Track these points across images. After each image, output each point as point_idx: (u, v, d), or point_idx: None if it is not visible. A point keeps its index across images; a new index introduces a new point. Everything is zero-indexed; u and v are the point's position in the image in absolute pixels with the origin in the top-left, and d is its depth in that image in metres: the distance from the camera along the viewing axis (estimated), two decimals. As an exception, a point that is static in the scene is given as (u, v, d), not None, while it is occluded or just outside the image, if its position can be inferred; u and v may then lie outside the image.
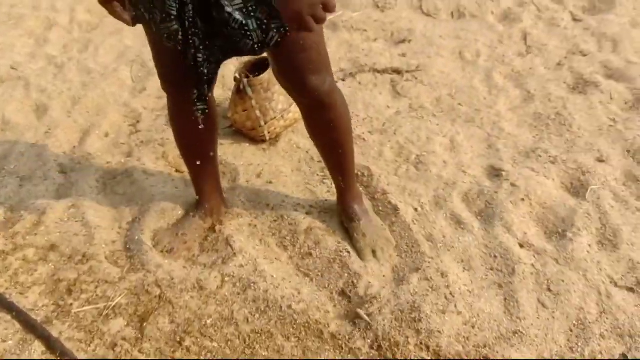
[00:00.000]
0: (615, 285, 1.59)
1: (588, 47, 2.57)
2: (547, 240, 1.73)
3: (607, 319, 1.50)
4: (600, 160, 1.96)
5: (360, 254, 1.72)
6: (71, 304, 1.60)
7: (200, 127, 1.48)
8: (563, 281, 1.60)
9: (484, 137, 2.11)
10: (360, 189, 1.88)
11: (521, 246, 1.70)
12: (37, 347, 1.48)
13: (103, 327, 1.54)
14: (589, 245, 1.69)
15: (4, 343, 1.50)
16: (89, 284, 1.65)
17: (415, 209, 1.83)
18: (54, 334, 1.52)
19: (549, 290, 1.59)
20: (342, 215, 1.80)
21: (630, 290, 1.58)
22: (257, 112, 2.04)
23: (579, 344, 1.46)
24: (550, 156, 1.98)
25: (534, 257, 1.66)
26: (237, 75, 2.03)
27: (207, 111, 1.42)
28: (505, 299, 1.57)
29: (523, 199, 1.82)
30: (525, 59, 2.60)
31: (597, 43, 2.61)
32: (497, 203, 1.82)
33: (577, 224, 1.74)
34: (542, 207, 1.81)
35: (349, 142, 1.65)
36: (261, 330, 1.53)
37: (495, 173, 1.95)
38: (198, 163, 1.72)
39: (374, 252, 1.71)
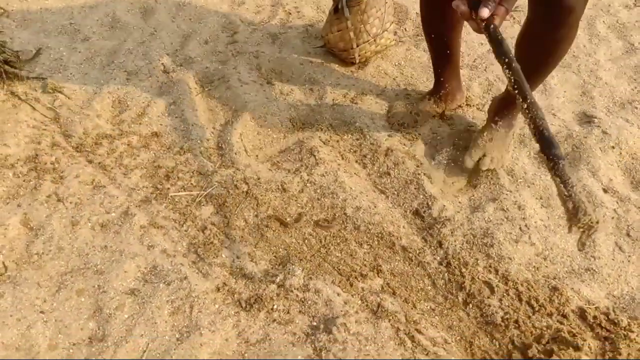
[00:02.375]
0: (699, 240, 1.57)
1: None
2: (632, 189, 1.71)
3: (684, 269, 1.50)
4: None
5: (471, 149, 1.75)
6: (168, 188, 1.75)
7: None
8: (644, 228, 1.59)
9: (579, 84, 2.06)
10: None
11: (605, 191, 1.69)
12: (137, 220, 1.65)
13: (195, 212, 1.69)
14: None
15: (108, 214, 1.68)
16: (185, 173, 1.80)
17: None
18: (152, 212, 1.69)
19: (628, 235, 1.59)
20: (492, 112, 1.79)
21: None
22: (351, 34, 2.07)
23: (651, 288, 1.47)
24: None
25: (617, 202, 1.66)
26: (337, -5, 2.06)
27: None
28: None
29: (613, 147, 1.79)
30: (632, 11, 2.46)
31: None
32: (585, 148, 1.80)
33: (665, 176, 1.71)
34: (632, 157, 1.78)
35: (550, 69, 1.63)
36: (337, 234, 1.63)
37: (586, 119, 1.92)
38: (440, 47, 1.82)
39: (484, 155, 1.73)
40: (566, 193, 1.12)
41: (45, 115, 1.96)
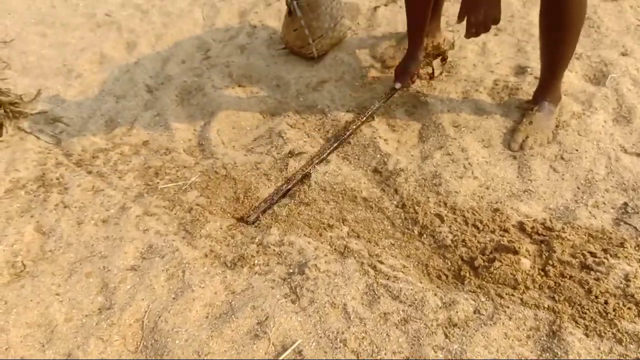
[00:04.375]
0: (625, 151, 1.74)
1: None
2: (568, 118, 1.89)
3: (612, 177, 1.67)
4: (623, 54, 2.07)
5: (514, 135, 1.86)
6: (157, 183, 2.00)
7: None
8: (577, 150, 1.77)
9: (514, 43, 2.27)
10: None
11: (538, 125, 1.88)
12: (133, 211, 1.88)
13: (182, 197, 1.92)
14: (604, 121, 1.84)
15: (107, 211, 1.92)
16: (171, 169, 2.04)
17: (442, 101, 2.05)
18: (145, 204, 1.92)
19: (562, 158, 1.77)
20: (532, 100, 1.94)
21: (639, 155, 1.72)
22: (306, 31, 2.33)
23: (584, 197, 1.64)
24: (575, 53, 2.11)
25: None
26: (288, -1, 2.33)
27: None
28: (519, 167, 1.77)
29: (544, 88, 1.99)
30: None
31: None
32: (521, 93, 2.00)
33: (594, 105, 1.89)
34: (564, 94, 1.97)
35: (573, 43, 1.77)
36: (305, 197, 1.84)
37: (521, 70, 2.12)
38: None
39: (526, 137, 1.84)
40: None
41: (49, 142, 2.24)
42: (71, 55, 2.71)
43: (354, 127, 1.96)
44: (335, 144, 1.93)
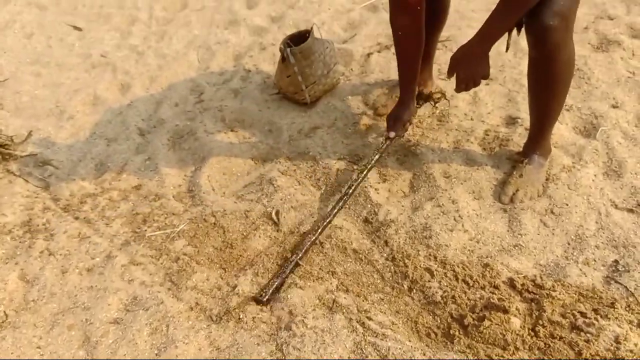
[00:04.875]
0: (616, 207, 1.73)
1: (616, 12, 2.65)
2: (558, 171, 1.89)
3: (603, 233, 1.66)
4: (614, 107, 2.08)
5: (504, 188, 1.85)
6: (145, 230, 1.97)
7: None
8: (567, 204, 1.76)
9: (505, 93, 2.28)
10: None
11: (529, 177, 1.87)
12: (118, 260, 1.85)
13: (169, 246, 1.89)
14: (595, 175, 1.84)
15: (93, 260, 1.89)
16: (160, 216, 2.02)
17: (433, 150, 2.05)
18: (132, 252, 1.89)
19: (552, 212, 1.76)
20: (520, 153, 1.93)
21: (630, 211, 1.72)
22: (299, 78, 2.34)
23: (574, 254, 1.63)
24: (566, 105, 2.13)
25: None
26: (282, 46, 2.35)
27: None
28: (510, 220, 1.76)
29: (535, 139, 1.99)
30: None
31: (625, 7, 2.68)
32: (511, 144, 2.00)
33: (584, 158, 1.89)
34: (554, 146, 1.97)
35: (562, 98, 1.77)
36: (295, 247, 1.82)
37: (511, 121, 2.13)
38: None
39: (517, 190, 1.83)
40: None
41: (37, 185, 2.22)
42: (64, 96, 2.72)
43: (355, 184, 1.90)
44: (341, 204, 1.86)
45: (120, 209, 2.08)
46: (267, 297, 1.64)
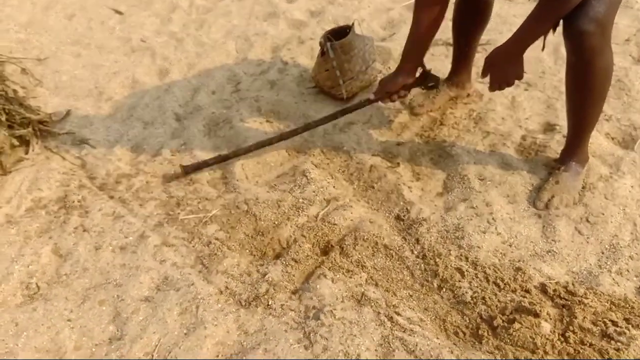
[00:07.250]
0: (653, 220, 1.71)
1: (660, 24, 2.62)
2: (595, 180, 1.87)
3: (638, 244, 1.64)
4: (654, 119, 2.06)
5: (539, 194, 1.84)
6: (178, 213, 2.00)
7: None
8: (603, 214, 1.74)
9: (544, 99, 2.26)
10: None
11: (565, 185, 1.86)
12: (151, 240, 1.89)
13: (202, 230, 1.92)
14: (632, 186, 1.81)
15: (126, 239, 1.93)
16: (193, 200, 2.05)
17: (468, 152, 2.04)
18: (164, 234, 1.93)
19: (587, 221, 1.74)
20: (557, 160, 1.93)
21: (667, 225, 1.69)
22: (337, 72, 2.35)
23: (608, 263, 1.61)
24: (605, 115, 2.10)
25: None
26: (322, 40, 2.36)
27: None
28: (544, 226, 1.75)
29: (573, 147, 1.97)
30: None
31: (670, 20, 2.64)
32: (549, 151, 1.98)
33: (622, 169, 1.87)
34: (592, 156, 1.95)
35: (599, 105, 1.77)
36: (326, 240, 1.83)
37: (549, 128, 2.11)
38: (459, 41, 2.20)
39: (552, 197, 1.82)
40: None
41: (74, 163, 2.26)
42: (103, 78, 2.76)
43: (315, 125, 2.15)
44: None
45: (155, 191, 2.11)
46: (190, 170, 2.12)
